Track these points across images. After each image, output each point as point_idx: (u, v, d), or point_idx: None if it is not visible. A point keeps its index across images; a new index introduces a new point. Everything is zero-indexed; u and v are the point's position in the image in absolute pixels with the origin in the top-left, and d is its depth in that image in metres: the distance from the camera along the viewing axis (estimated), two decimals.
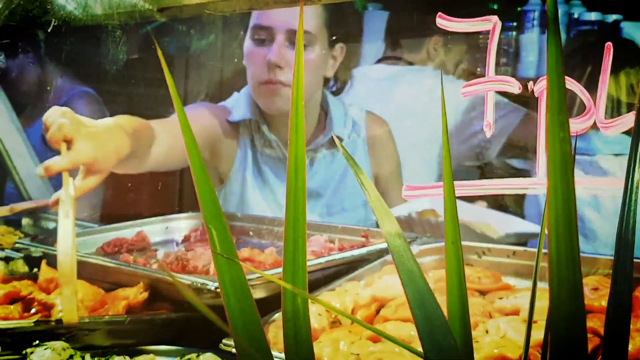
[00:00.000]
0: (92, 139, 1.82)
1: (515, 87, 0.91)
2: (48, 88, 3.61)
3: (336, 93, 2.83)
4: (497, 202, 2.87)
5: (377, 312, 1.69)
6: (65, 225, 1.65)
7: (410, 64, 3.39)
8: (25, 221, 2.91)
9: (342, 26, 2.74)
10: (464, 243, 1.97)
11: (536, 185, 0.88)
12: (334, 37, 2.64)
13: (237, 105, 2.79)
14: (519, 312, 1.58)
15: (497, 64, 0.98)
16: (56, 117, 1.80)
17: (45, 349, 1.45)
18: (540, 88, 0.89)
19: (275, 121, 2.75)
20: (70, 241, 1.62)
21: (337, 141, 0.74)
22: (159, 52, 0.65)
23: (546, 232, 0.58)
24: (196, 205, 2.19)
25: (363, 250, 1.96)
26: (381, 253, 1.95)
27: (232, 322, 0.61)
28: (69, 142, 1.78)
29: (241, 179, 2.77)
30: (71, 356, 1.46)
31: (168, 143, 2.35)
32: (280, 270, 1.68)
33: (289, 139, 0.69)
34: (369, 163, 2.88)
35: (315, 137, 2.76)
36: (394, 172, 2.93)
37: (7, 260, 2.27)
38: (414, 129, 3.06)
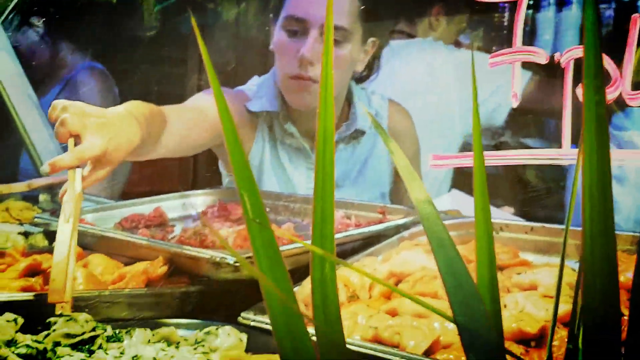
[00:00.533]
0: (100, 130, 1.74)
1: (542, 58, 0.91)
2: (59, 62, 3.62)
3: (360, 80, 2.79)
4: (523, 210, 2.86)
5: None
6: (64, 229, 1.59)
7: (411, 36, 3.37)
8: (42, 197, 2.93)
9: (377, 19, 2.69)
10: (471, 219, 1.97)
11: (562, 156, 0.88)
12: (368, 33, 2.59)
13: (258, 94, 2.73)
14: (537, 288, 1.58)
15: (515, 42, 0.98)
16: (59, 112, 1.74)
17: (67, 320, 1.46)
18: (567, 59, 0.89)
19: (297, 114, 2.70)
20: (66, 249, 1.56)
21: (369, 115, 0.74)
22: (195, 27, 0.65)
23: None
24: (210, 183, 2.21)
25: (381, 226, 1.97)
26: (398, 229, 1.96)
27: (264, 287, 0.62)
28: (76, 137, 1.72)
29: (258, 166, 2.74)
30: (94, 328, 1.48)
31: (181, 131, 2.31)
32: (297, 245, 1.70)
33: (318, 111, 0.69)
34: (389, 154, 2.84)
35: (338, 128, 2.71)
36: (414, 163, 2.91)
37: (27, 234, 2.29)
38: (421, 105, 3.04)
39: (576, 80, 0.99)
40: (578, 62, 0.96)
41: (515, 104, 0.97)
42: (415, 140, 2.89)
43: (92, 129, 1.72)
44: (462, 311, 0.60)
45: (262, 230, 0.62)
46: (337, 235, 1.87)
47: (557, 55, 0.89)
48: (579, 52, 0.89)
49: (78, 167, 1.70)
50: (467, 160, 0.88)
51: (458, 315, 0.60)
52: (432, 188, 3.07)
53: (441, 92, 3.19)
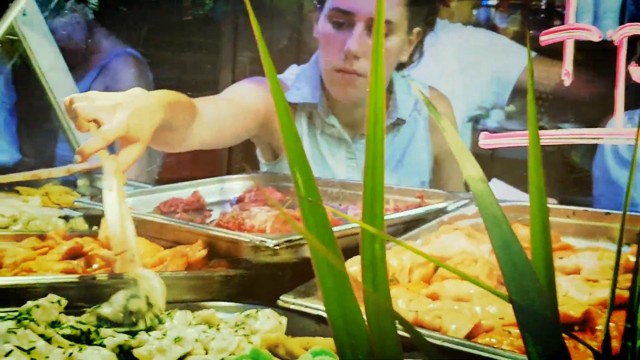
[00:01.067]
0: (117, 110, 1.73)
1: (595, 35, 0.89)
2: (93, 48, 3.65)
3: (400, 68, 2.76)
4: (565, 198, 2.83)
5: (434, 271, 1.69)
6: (109, 198, 1.65)
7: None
8: (81, 182, 2.96)
9: (422, 11, 2.65)
10: (521, 203, 1.96)
11: (614, 136, 0.87)
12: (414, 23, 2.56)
13: (297, 84, 2.70)
14: (580, 272, 1.57)
15: (552, 25, 0.96)
16: (70, 105, 1.73)
17: (129, 297, 1.48)
18: (619, 36, 0.87)
19: (338, 105, 2.68)
20: (117, 212, 1.63)
21: (420, 94, 0.73)
22: (251, 13, 0.64)
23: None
24: (245, 169, 2.19)
25: (420, 210, 1.96)
26: (438, 213, 1.95)
27: (317, 264, 0.62)
28: (96, 122, 1.71)
29: None
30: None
31: (216, 122, 2.30)
32: (343, 227, 1.69)
33: (369, 90, 0.69)
34: (430, 142, 2.81)
35: None
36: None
37: (67, 218, 2.31)
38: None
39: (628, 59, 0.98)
40: (631, 40, 0.95)
41: (567, 82, 0.96)
42: (456, 127, 2.86)
43: (108, 110, 1.72)
44: (516, 289, 0.59)
45: (314, 208, 0.62)
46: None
47: (609, 33, 0.87)
48: (633, 29, 0.87)
49: (105, 146, 1.71)
50: (517, 140, 0.87)
51: (513, 294, 0.59)
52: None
53: (449, 74, 3.16)
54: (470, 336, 1.39)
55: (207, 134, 2.25)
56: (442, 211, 1.96)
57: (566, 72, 0.93)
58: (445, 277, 1.61)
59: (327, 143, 2.72)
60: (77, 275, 1.71)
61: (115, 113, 1.72)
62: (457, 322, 1.40)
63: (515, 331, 1.40)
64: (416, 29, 2.59)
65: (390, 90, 2.72)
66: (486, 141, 0.93)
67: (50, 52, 2.94)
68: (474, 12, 4.21)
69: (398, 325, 0.67)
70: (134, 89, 1.87)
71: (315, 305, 1.58)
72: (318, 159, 2.73)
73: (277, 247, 1.71)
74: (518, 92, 3.14)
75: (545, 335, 0.58)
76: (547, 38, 0.92)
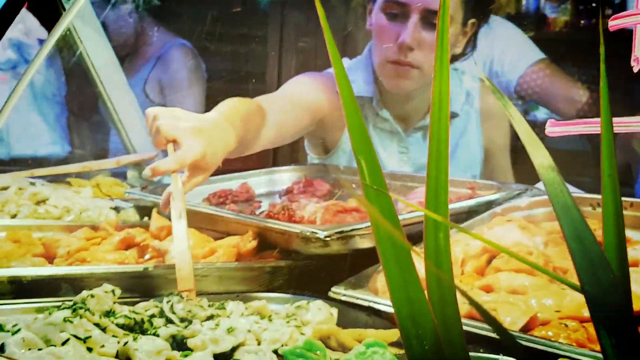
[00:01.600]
0: (197, 135, 1.73)
1: None
2: (144, 40, 3.67)
3: (451, 60, 2.73)
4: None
5: (488, 263, 1.67)
6: (179, 226, 1.63)
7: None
8: (130, 173, 2.99)
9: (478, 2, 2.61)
10: (577, 195, 1.92)
11: None
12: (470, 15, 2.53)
13: (350, 77, 2.68)
14: (638, 264, 1.53)
15: (604, 16, 0.93)
16: (152, 122, 1.74)
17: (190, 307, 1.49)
18: None
19: (391, 98, 2.66)
20: (185, 242, 1.60)
21: (485, 79, 0.72)
22: (319, 6, 0.64)
23: None
24: (291, 161, 2.19)
25: (472, 202, 1.94)
26: (490, 205, 1.93)
27: (382, 252, 0.61)
28: (174, 142, 1.72)
29: (349, 150, 2.71)
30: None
31: (279, 121, 2.30)
32: (405, 216, 1.67)
33: (433, 78, 0.68)
34: (481, 135, 2.78)
35: (429, 111, 2.65)
36: (506, 146, 2.81)
37: (117, 210, 2.34)
38: None
39: None
40: None
41: (636, 69, 0.93)
42: (506, 116, 2.80)
43: (189, 134, 1.72)
44: (589, 279, 0.57)
45: (380, 196, 0.61)
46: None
47: None
48: None
49: (179, 170, 1.71)
50: (587, 127, 0.85)
51: (586, 284, 0.57)
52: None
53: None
54: (525, 329, 1.37)
55: (273, 134, 2.26)
56: (495, 203, 1.93)
57: (635, 58, 0.90)
58: (499, 269, 1.59)
59: (378, 137, 2.70)
60: (131, 266, 1.73)
61: (195, 138, 1.72)
62: (512, 314, 1.38)
63: (572, 324, 1.38)
64: (471, 21, 2.55)
65: None
66: (554, 129, 0.91)
67: (101, 45, 2.97)
68: (523, 1, 4.16)
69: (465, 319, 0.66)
70: (212, 112, 1.90)
71: (366, 297, 1.57)
72: None
73: (328, 239, 1.70)
74: None
75: (619, 326, 0.56)
76: (615, 23, 0.90)
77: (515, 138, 2.73)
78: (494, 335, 1.36)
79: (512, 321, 1.38)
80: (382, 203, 0.61)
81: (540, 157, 0.61)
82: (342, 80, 0.59)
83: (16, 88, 2.25)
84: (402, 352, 1.42)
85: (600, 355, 0.61)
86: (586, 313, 1.37)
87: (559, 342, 1.32)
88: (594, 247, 0.58)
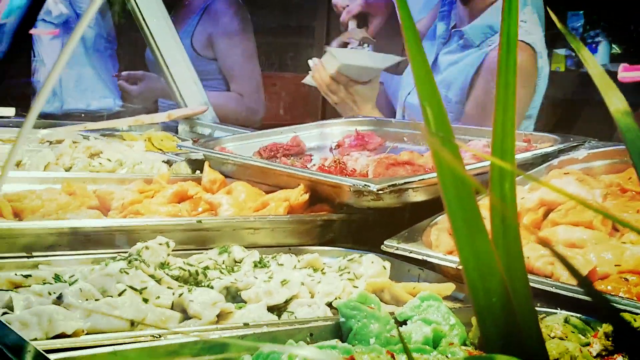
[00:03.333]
0: None
1: None
2: None
3: None
4: None
5: (544, 216, 1.63)
6: None
7: None
8: (181, 127, 3.00)
9: None
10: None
11: None
12: None
13: None
14: None
15: None
16: None
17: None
18: None
19: None
20: None
21: (553, 17, 0.69)
22: None
23: None
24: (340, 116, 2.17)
25: (528, 154, 1.89)
26: (546, 157, 1.88)
27: (446, 198, 0.58)
28: None
29: None
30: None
31: None
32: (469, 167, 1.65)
33: (502, 17, 0.65)
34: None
35: None
36: (526, 103, 2.69)
37: (169, 163, 2.34)
38: None
39: None
40: None
41: None
42: (533, 74, 2.66)
43: None
44: None
45: (446, 144, 0.58)
46: (480, 164, 1.82)
47: None
48: None
49: None
50: None
51: None
52: None
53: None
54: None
55: None
56: (551, 155, 1.89)
57: None
58: (557, 222, 1.56)
59: None
60: (184, 219, 1.73)
61: None
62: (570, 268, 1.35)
63: (633, 278, 1.35)
64: None
65: None
66: (626, 74, 0.87)
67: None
68: None
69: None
70: None
71: (420, 250, 1.55)
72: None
73: (380, 192, 1.68)
74: None
75: None
76: None
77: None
78: (552, 289, 1.33)
79: (569, 275, 1.35)
80: (449, 150, 0.59)
81: (616, 102, 0.58)
82: (407, 22, 0.57)
83: (68, 42, 2.25)
84: (456, 306, 1.41)
85: None
86: None
87: (620, 297, 1.29)
88: None
